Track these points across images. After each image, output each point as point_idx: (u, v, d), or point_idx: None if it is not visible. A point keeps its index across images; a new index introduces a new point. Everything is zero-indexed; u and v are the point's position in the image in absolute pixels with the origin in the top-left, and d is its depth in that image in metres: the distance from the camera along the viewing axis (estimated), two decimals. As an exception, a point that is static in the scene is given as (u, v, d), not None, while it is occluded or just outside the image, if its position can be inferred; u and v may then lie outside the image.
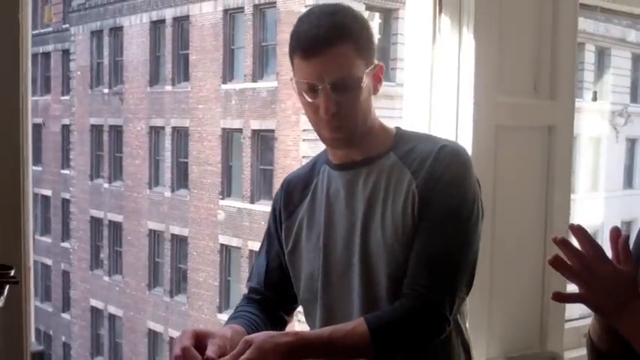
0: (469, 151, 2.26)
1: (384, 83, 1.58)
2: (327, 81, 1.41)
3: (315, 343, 1.38)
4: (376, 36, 1.67)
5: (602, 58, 15.68)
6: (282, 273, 1.62)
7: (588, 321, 2.92)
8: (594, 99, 14.24)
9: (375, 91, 1.52)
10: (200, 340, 1.34)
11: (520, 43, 2.44)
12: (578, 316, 3.01)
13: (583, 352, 2.70)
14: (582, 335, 2.77)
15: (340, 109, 1.43)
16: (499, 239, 2.33)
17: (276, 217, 1.64)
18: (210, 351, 1.31)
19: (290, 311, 1.66)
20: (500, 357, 2.42)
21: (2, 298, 1.19)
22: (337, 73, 1.42)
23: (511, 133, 2.42)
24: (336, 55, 1.41)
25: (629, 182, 16.29)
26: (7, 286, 1.18)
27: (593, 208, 13.63)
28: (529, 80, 2.49)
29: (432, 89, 2.38)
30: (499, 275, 2.31)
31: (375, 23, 12.80)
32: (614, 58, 15.82)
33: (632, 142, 16.62)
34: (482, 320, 2.28)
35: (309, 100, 1.45)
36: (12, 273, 1.19)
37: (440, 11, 2.31)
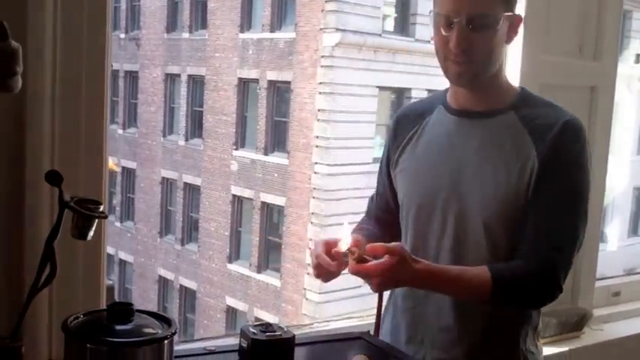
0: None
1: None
2: (463, 15, 1.45)
3: (442, 277, 1.46)
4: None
5: (624, 20, 15.44)
6: (385, 198, 1.73)
7: (618, 280, 3.01)
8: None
9: (509, 40, 1.54)
10: (332, 247, 1.46)
11: (567, 4, 2.45)
12: (609, 275, 3.07)
13: (612, 309, 2.80)
14: (611, 294, 2.85)
15: (471, 47, 1.47)
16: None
17: (386, 146, 1.73)
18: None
19: None
20: (534, 311, 2.48)
21: (92, 231, 1.24)
22: (475, 9, 1.45)
23: (554, 92, 2.41)
24: None
25: (643, 148, 16.21)
26: (96, 221, 1.24)
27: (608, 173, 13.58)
28: (574, 40, 2.50)
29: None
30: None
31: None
32: (635, 22, 15.59)
33: (648, 108, 16.48)
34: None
35: (444, 33, 1.48)
36: (101, 208, 1.24)
37: (493, -33, 2.31)
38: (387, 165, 1.70)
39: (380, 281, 1.40)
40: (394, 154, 1.67)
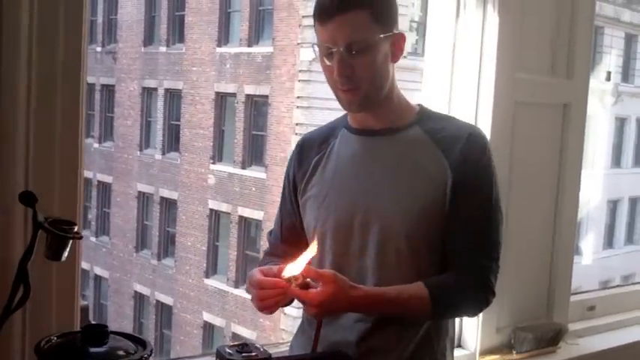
0: (489, 127, 2.34)
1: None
2: (340, 44, 1.46)
3: (381, 301, 1.47)
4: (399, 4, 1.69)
5: (595, 36, 15.68)
6: (293, 229, 1.69)
7: (593, 295, 3.04)
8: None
9: (395, 59, 1.54)
10: (268, 274, 1.48)
11: (540, 23, 2.48)
12: (584, 288, 3.10)
13: (587, 324, 2.82)
14: (586, 308, 2.88)
15: (354, 73, 1.48)
16: (512, 213, 2.37)
17: (289, 175, 1.71)
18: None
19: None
20: (510, 327, 2.49)
21: (66, 252, 1.23)
22: (350, 37, 1.46)
23: (528, 110, 2.47)
24: (349, 19, 1.46)
25: (616, 161, 16.44)
26: (70, 242, 1.23)
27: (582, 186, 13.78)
28: (547, 59, 2.53)
29: (453, 64, 2.41)
30: (510, 248, 2.35)
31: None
32: (606, 37, 15.85)
33: (621, 122, 16.74)
34: (492, 291, 2.34)
35: (328, 63, 1.50)
36: (76, 229, 1.23)
37: (466, -13, 2.34)
38: (294, 194, 1.68)
39: (317, 311, 1.41)
40: (301, 182, 1.66)
